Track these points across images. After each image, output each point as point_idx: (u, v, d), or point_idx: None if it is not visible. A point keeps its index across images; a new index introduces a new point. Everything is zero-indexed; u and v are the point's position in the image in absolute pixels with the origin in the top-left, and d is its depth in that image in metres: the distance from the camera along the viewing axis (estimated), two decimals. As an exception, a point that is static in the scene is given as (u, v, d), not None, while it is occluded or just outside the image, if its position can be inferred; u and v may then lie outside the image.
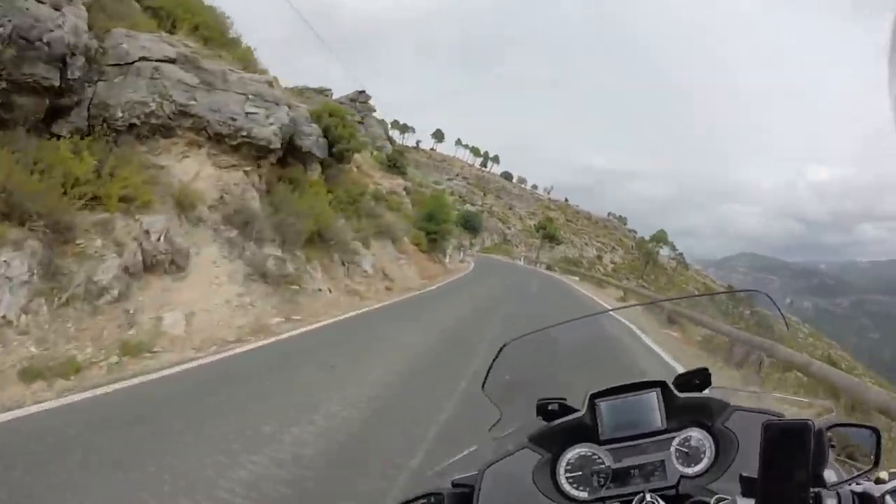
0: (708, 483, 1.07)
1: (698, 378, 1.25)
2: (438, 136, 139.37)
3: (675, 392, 1.16)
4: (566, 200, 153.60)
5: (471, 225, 73.00)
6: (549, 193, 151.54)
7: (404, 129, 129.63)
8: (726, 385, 1.32)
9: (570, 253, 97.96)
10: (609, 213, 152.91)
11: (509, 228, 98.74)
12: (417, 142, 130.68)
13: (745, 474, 0.82)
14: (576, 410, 1.19)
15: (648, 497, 0.95)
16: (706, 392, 1.24)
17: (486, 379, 1.31)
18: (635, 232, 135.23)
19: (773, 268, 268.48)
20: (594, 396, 1.16)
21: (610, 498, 1.08)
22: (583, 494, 1.11)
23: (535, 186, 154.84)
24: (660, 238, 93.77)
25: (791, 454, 0.72)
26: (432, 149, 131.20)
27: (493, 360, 1.31)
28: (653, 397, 1.16)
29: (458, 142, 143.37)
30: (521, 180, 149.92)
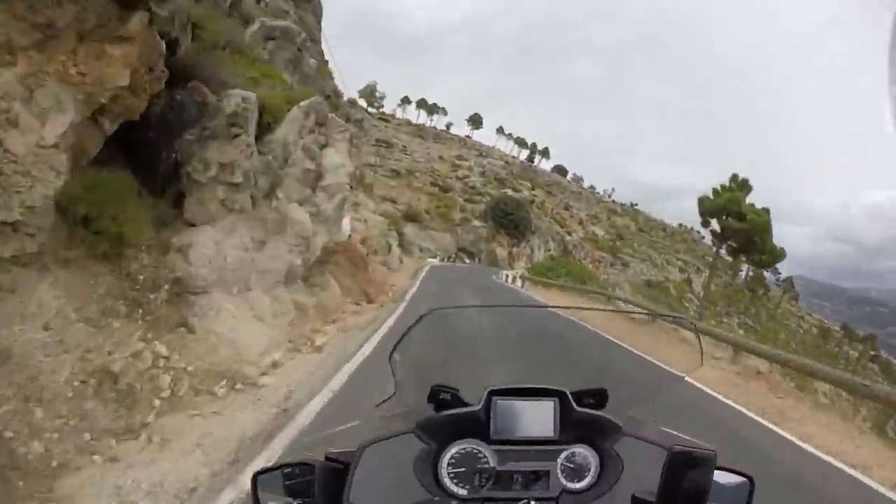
0: (588, 501, 1.07)
1: (596, 396, 1.21)
2: (475, 121, 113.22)
3: (574, 405, 1.13)
4: (635, 205, 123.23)
5: (511, 220, 45.44)
6: (611, 196, 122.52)
7: (432, 109, 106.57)
8: (621, 409, 1.19)
9: (650, 274, 79.35)
10: (680, 224, 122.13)
11: (570, 234, 68.88)
12: (448, 124, 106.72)
13: (637, 495, 0.87)
14: (466, 404, 1.15)
15: None
16: (601, 412, 1.17)
17: (397, 345, 1.22)
18: (710, 247, 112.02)
19: (826, 293, 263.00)
20: (493, 393, 1.12)
21: (489, 500, 1.05)
22: (462, 492, 1.07)
23: (592, 187, 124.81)
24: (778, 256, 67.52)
25: (692, 480, 0.77)
26: (467, 136, 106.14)
27: (411, 327, 1.22)
28: (550, 406, 1.13)
29: (500, 130, 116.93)
30: (577, 178, 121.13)
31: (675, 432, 1.16)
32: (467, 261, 44.29)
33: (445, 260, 42.06)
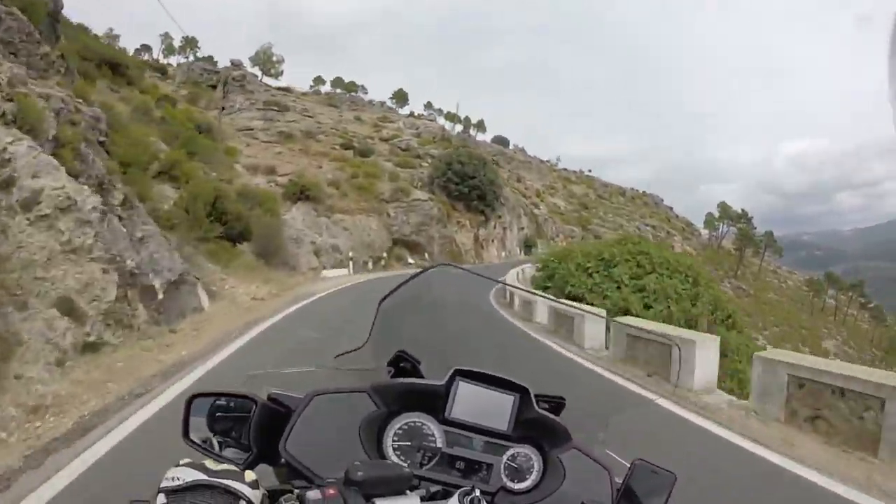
0: (522, 503, 1.07)
1: (555, 403, 1.21)
2: (400, 97, 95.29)
3: (534, 404, 1.10)
4: (588, 172, 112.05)
5: (472, 187, 26.40)
6: (557, 163, 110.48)
7: (350, 88, 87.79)
8: (575, 421, 1.16)
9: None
10: (631, 189, 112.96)
11: (537, 208, 61.88)
12: (369, 101, 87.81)
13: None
14: (420, 376, 1.15)
15: (477, 493, 0.85)
16: (557, 419, 1.16)
17: (391, 293, 1.19)
18: (670, 208, 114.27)
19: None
20: (459, 372, 1.08)
21: (426, 479, 1.01)
22: (402, 465, 1.01)
23: (537, 157, 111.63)
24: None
25: (650, 497, 0.78)
26: (391, 108, 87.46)
27: (413, 277, 1.22)
28: (511, 399, 1.10)
29: (429, 105, 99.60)
30: (519, 149, 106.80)
31: (621, 459, 1.09)
32: (412, 261, 25.90)
33: (368, 267, 23.42)
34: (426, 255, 27.25)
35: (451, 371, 1.07)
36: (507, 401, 1.09)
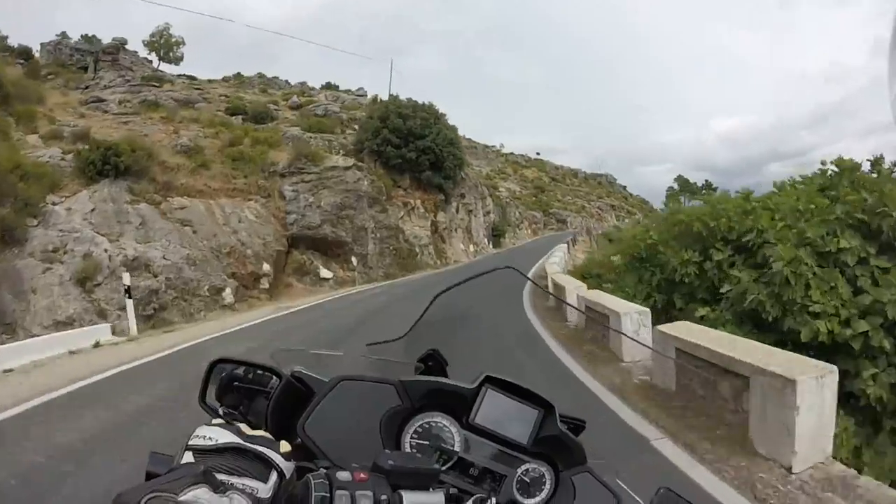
0: None
1: (575, 424, 1.19)
2: (331, 88, 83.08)
3: (557, 421, 1.09)
4: (537, 155, 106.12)
5: (426, 151, 20.29)
6: (502, 148, 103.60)
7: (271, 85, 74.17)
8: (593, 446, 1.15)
9: (598, 227, 65.65)
10: (584, 173, 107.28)
11: (498, 189, 53.53)
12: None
13: None
14: (446, 377, 1.14)
15: (493, 501, 0.86)
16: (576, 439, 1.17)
17: (450, 288, 1.22)
18: (624, 187, 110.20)
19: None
20: (489, 379, 1.08)
21: (444, 481, 0.97)
22: (430, 461, 1.00)
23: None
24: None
25: None
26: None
27: (475, 276, 1.23)
28: (535, 414, 1.09)
29: (361, 89, 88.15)
30: (461, 136, 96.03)
31: (633, 493, 1.08)
32: (327, 274, 15.07)
33: (223, 300, 12.16)
34: (354, 259, 16.72)
35: (482, 377, 1.07)
36: (531, 414, 1.09)
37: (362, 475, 0.71)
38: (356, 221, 17.12)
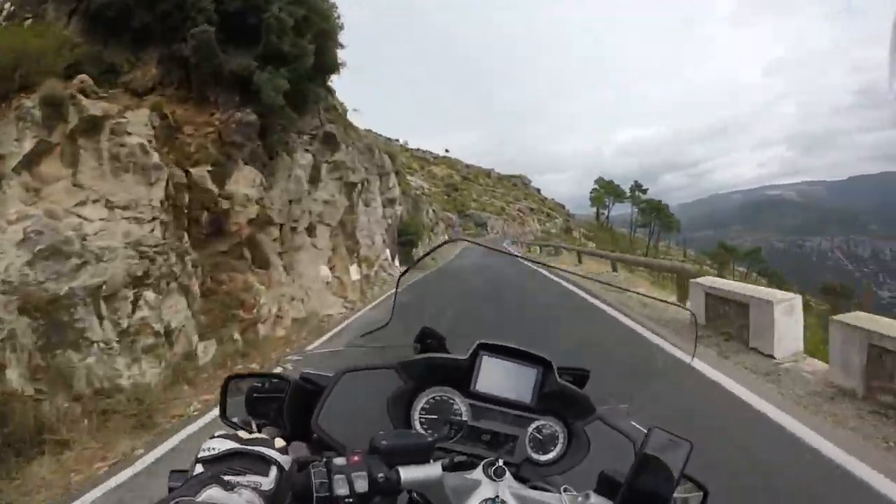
0: (548, 475, 1.06)
1: (578, 375, 1.21)
2: None
3: (556, 377, 1.10)
4: (446, 153, 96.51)
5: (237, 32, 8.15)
6: (406, 144, 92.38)
7: None
8: (600, 392, 1.16)
9: (520, 230, 59.74)
10: (497, 173, 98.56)
11: (410, 176, 44.65)
12: None
13: (606, 472, 0.85)
14: (447, 352, 1.16)
15: (500, 463, 0.86)
16: (581, 391, 1.17)
17: (410, 268, 1.41)
18: (538, 189, 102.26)
19: (594, 225, 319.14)
20: (482, 346, 1.10)
21: (453, 451, 1.02)
22: (423, 433, 1.05)
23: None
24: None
25: (664, 466, 0.77)
26: None
27: (432, 250, 1.36)
28: (534, 372, 1.10)
29: None
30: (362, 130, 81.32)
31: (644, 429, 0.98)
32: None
33: None
34: None
35: (475, 345, 1.08)
36: (529, 373, 1.10)
37: (355, 458, 0.75)
38: None
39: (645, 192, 69.49)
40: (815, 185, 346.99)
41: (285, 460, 0.73)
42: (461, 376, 1.07)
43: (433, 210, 36.95)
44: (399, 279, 1.34)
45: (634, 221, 67.57)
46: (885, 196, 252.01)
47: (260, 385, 1.05)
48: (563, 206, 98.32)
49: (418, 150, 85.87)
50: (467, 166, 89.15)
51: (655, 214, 59.32)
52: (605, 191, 77.49)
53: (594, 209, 76.72)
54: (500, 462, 0.85)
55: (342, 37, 10.19)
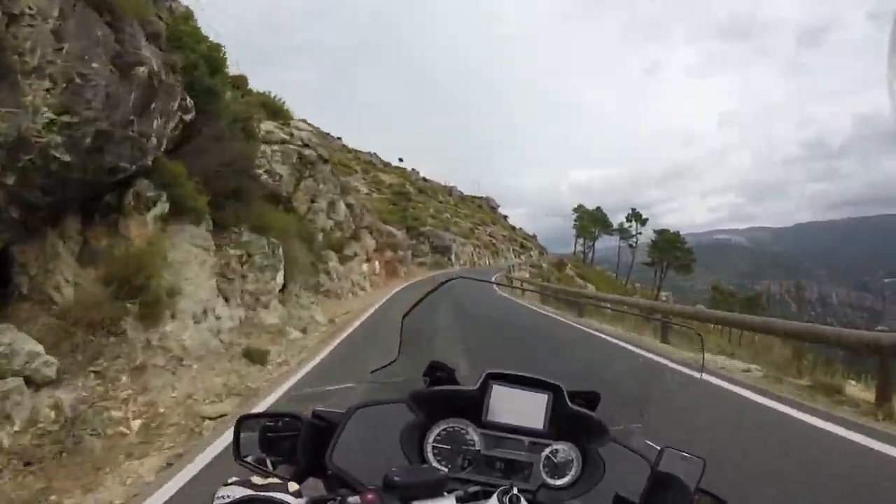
0: (564, 499, 1.05)
1: (589, 398, 1.18)
2: None
3: (567, 402, 1.09)
4: (400, 161, 79.39)
5: None
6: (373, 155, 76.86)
7: None
8: (611, 413, 1.16)
9: (495, 263, 48.77)
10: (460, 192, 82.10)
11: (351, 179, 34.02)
12: None
13: (620, 494, 0.86)
14: (457, 383, 1.14)
15: (515, 491, 0.84)
16: (593, 414, 1.15)
17: (412, 309, 1.23)
18: (505, 216, 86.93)
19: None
20: (491, 376, 1.09)
21: (468, 481, 1.01)
22: (443, 469, 1.02)
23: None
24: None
25: (678, 484, 0.78)
26: None
27: (429, 293, 1.26)
28: (545, 398, 1.09)
29: None
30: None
31: (658, 447, 1.03)
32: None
33: None
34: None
35: (483, 375, 1.08)
36: (540, 400, 1.08)
37: (370, 496, 0.74)
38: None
39: (645, 222, 56.03)
40: (762, 230, 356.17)
41: (298, 503, 0.72)
42: (472, 406, 1.06)
43: (367, 218, 20.91)
44: (403, 318, 1.18)
45: (632, 258, 53.87)
46: (831, 243, 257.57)
47: (273, 424, 1.02)
48: (534, 237, 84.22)
49: (360, 151, 69.81)
50: (425, 179, 74.16)
51: (667, 249, 45.21)
52: (590, 220, 63.39)
53: (574, 241, 62.80)
54: (516, 490, 0.83)
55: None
